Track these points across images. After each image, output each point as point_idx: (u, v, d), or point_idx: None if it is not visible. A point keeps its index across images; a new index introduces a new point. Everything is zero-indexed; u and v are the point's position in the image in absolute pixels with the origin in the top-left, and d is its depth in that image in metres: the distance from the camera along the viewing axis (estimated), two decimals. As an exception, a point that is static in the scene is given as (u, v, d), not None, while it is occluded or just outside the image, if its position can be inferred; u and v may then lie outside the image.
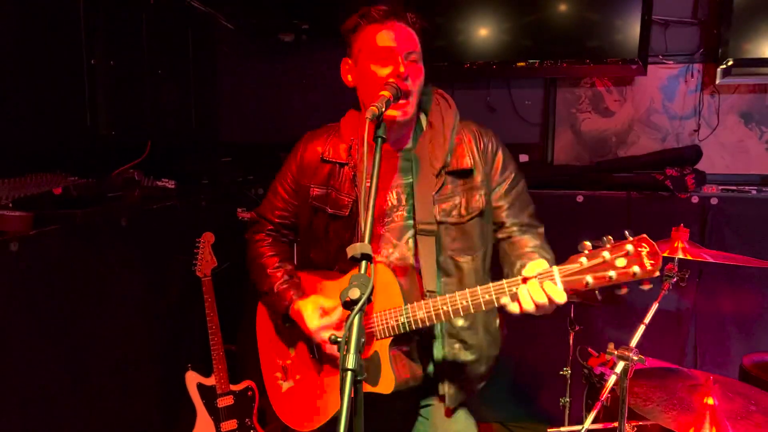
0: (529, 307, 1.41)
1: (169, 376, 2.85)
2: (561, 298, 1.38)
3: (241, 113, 3.76)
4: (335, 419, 1.74)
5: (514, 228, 1.78)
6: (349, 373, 1.06)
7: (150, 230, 2.70)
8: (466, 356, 1.77)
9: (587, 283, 1.32)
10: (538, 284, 1.39)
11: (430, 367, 1.78)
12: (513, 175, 1.79)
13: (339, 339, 1.11)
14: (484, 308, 1.50)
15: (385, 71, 1.63)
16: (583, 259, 1.33)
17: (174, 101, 3.19)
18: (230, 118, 3.73)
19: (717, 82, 3.28)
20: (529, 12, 3.34)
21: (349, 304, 1.12)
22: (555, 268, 1.38)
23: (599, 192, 3.29)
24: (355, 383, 1.08)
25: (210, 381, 2.87)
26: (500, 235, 1.80)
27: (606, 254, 1.30)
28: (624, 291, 1.32)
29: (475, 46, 3.44)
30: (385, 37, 1.64)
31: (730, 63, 3.16)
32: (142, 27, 2.86)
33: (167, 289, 2.89)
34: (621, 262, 1.28)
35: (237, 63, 3.73)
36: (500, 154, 1.79)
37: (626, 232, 1.30)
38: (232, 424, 2.89)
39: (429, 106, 1.82)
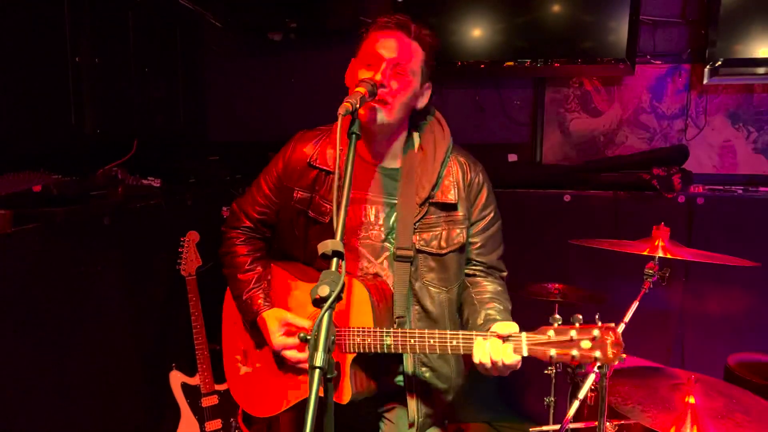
0: (486, 360, 1.46)
1: (153, 376, 2.84)
2: (510, 360, 1.44)
3: (229, 112, 3.75)
4: (296, 409, 1.80)
5: (480, 267, 1.83)
6: (317, 371, 1.05)
7: (134, 229, 2.69)
8: (437, 384, 1.79)
9: (551, 357, 1.37)
10: (501, 345, 1.44)
11: (399, 379, 1.80)
12: (492, 215, 1.82)
13: (308, 337, 1.10)
14: (449, 353, 1.54)
15: (366, 76, 1.62)
16: (551, 333, 1.38)
17: (161, 99, 3.18)
18: (218, 117, 3.73)
19: (704, 82, 3.29)
20: (521, 13, 3.34)
21: (318, 302, 1.11)
22: (523, 335, 1.43)
23: (587, 191, 3.29)
24: (325, 381, 1.07)
25: (194, 380, 2.85)
26: (466, 271, 1.84)
27: (573, 333, 1.35)
28: (581, 370, 1.39)
29: (468, 46, 3.43)
30: (379, 44, 1.64)
31: (717, 63, 3.17)
32: (129, 24, 2.85)
33: (151, 289, 2.87)
34: (586, 344, 1.33)
35: (225, 61, 3.72)
36: (484, 191, 1.81)
37: (596, 317, 1.36)
38: (217, 423, 2.87)
39: (424, 128, 1.82)
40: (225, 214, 3.16)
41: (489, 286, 1.78)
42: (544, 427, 2.40)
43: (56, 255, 2.23)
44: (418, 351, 1.56)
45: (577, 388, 2.40)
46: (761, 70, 3.13)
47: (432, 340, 1.53)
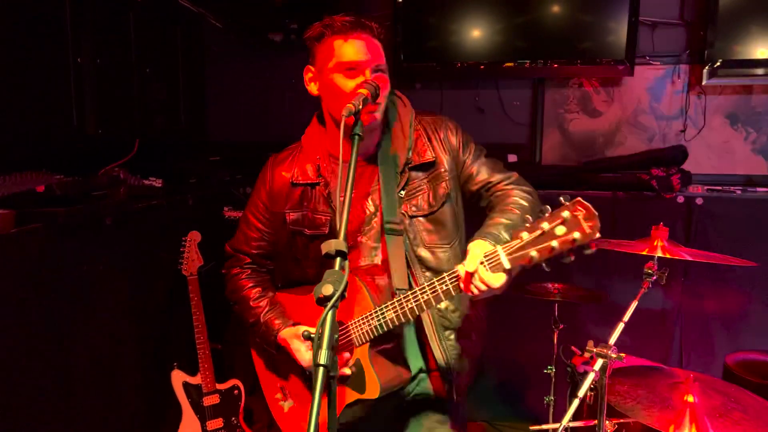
0: (476, 291, 1.45)
1: (155, 375, 2.85)
2: (498, 282, 1.41)
3: (230, 112, 3.76)
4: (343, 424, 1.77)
5: (491, 190, 1.78)
6: (321, 368, 1.06)
7: (136, 229, 2.70)
8: (460, 360, 1.80)
9: (532, 258, 1.32)
10: (486, 270, 1.41)
11: (420, 363, 1.80)
12: (474, 146, 1.84)
13: (312, 335, 1.12)
14: (443, 298, 1.54)
15: (352, 84, 1.62)
16: (524, 234, 1.34)
17: (162, 100, 3.19)
18: (219, 117, 3.74)
19: (703, 83, 3.30)
20: (521, 13, 3.36)
21: (322, 301, 1.12)
22: (499, 248, 1.39)
23: (586, 192, 3.31)
24: (328, 379, 1.08)
25: (196, 380, 2.86)
26: (481, 204, 1.81)
27: (545, 225, 1.30)
28: (571, 259, 1.30)
29: (467, 46, 3.45)
30: (351, 50, 1.63)
31: (716, 64, 3.18)
32: (130, 25, 2.86)
33: (153, 288, 2.88)
34: (560, 230, 1.28)
35: (226, 62, 3.73)
36: (458, 134, 1.83)
37: (561, 198, 1.29)
38: (218, 422, 2.88)
39: (388, 109, 1.84)
40: (226, 214, 3.17)
41: (507, 199, 1.71)
42: (544, 426, 2.41)
43: (58, 255, 2.24)
44: (417, 312, 1.56)
45: (576, 387, 2.42)
46: (760, 70, 3.14)
47: (425, 295, 1.54)
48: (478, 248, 1.46)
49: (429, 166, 1.77)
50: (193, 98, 3.52)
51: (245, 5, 3.45)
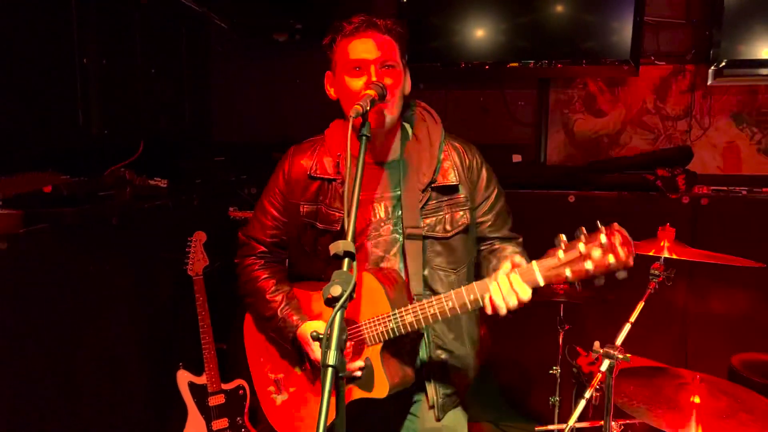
0: (501, 304, 1.45)
1: (160, 375, 2.86)
2: (527, 295, 1.43)
3: (235, 112, 3.76)
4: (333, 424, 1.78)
5: (496, 241, 1.84)
6: (330, 369, 1.06)
7: (141, 229, 2.71)
8: (454, 365, 1.80)
9: (566, 277, 1.35)
10: (520, 280, 1.42)
11: (418, 363, 1.80)
12: (495, 192, 1.84)
13: (320, 336, 1.12)
14: (470, 308, 1.53)
15: (359, 83, 1.63)
16: (561, 253, 1.35)
17: (167, 100, 3.20)
18: (224, 118, 3.74)
19: (709, 83, 3.29)
20: (525, 13, 3.35)
21: (330, 301, 1.12)
22: (534, 263, 1.41)
23: (591, 192, 3.30)
24: (336, 380, 1.09)
25: (201, 380, 2.87)
26: (482, 248, 1.86)
27: (581, 246, 1.32)
28: (601, 282, 1.33)
29: (471, 46, 3.44)
30: (357, 49, 1.64)
31: (721, 64, 3.17)
32: (135, 26, 2.87)
33: (159, 288, 2.89)
34: (596, 253, 1.30)
35: (230, 62, 3.73)
36: (484, 171, 1.83)
37: (598, 223, 1.32)
38: (223, 422, 2.89)
39: (413, 118, 1.83)
40: (231, 214, 3.18)
41: (508, 248, 1.79)
42: (549, 427, 2.41)
43: (65, 254, 2.25)
44: (440, 318, 1.56)
45: (582, 387, 2.42)
46: (765, 71, 3.13)
47: (449, 302, 1.53)
48: (510, 262, 1.47)
49: (450, 191, 1.77)
50: (198, 98, 3.52)
51: (250, 5, 3.45)
